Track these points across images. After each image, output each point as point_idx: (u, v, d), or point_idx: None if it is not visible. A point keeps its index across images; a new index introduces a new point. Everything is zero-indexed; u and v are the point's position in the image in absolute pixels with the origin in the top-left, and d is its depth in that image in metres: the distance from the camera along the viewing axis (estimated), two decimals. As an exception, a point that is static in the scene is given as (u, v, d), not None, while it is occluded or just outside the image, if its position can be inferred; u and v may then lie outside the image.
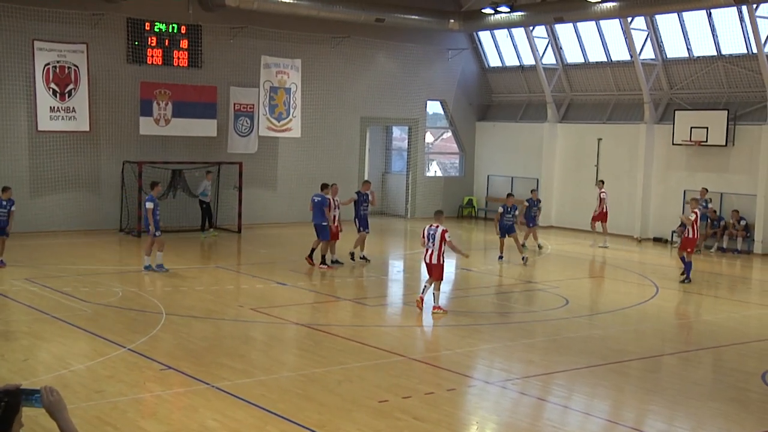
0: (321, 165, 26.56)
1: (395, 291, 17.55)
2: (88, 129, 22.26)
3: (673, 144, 24.89)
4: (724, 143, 23.62)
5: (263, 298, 15.55)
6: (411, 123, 29.50)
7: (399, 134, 31.52)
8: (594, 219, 23.92)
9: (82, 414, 8.36)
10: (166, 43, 23.66)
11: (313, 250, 18.34)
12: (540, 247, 22.56)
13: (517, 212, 20.63)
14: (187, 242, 21.91)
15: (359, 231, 19.17)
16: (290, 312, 14.35)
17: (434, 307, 14.09)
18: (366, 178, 21.36)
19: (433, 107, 30.93)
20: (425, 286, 14.40)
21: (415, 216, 29.06)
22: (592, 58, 27.56)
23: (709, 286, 18.22)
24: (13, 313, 13.33)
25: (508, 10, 25.86)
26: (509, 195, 21.73)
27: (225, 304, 14.62)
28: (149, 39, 23.39)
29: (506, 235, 20.24)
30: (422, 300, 14.27)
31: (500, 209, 20.50)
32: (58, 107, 21.72)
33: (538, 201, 22.83)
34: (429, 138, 31.53)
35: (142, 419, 8.52)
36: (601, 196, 23.81)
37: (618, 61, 26.73)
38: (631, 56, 25.60)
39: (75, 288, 15.22)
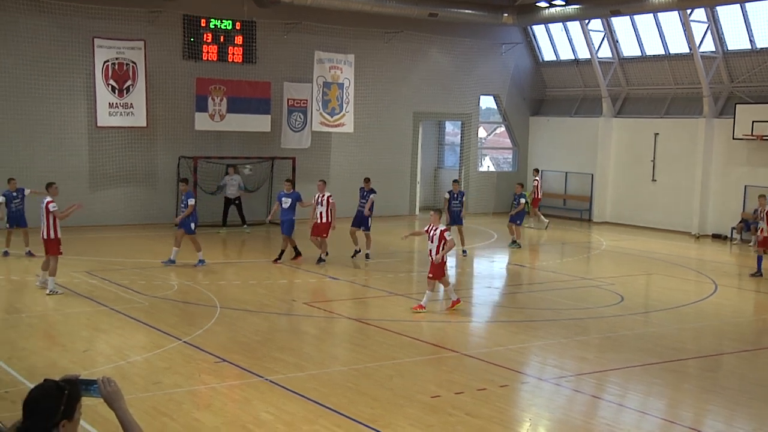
0: (374, 160, 26.60)
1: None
2: (145, 124, 22.68)
3: (733, 138, 24.29)
4: (786, 138, 23.01)
5: (316, 292, 15.65)
6: (464, 118, 29.34)
7: (452, 129, 31.39)
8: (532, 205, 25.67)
9: (139, 404, 8.51)
10: (221, 40, 23.93)
11: (282, 251, 18.25)
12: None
13: (464, 199, 20.20)
14: (237, 237, 22.18)
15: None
16: (342, 306, 14.42)
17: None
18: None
19: (487, 102, 30.74)
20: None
21: (468, 211, 28.87)
22: (649, 51, 27.06)
23: (770, 285, 17.77)
24: (74, 305, 13.64)
25: (564, 3, 25.57)
26: (455, 181, 21.06)
27: (278, 298, 14.75)
28: (205, 35, 23.69)
29: (455, 224, 19.62)
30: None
31: (447, 195, 20.10)
32: (116, 103, 22.15)
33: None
34: (482, 133, 31.34)
35: (197, 411, 8.63)
36: (534, 183, 26.52)
37: (676, 54, 26.19)
38: (690, 49, 25.05)
39: (132, 281, 15.51)
